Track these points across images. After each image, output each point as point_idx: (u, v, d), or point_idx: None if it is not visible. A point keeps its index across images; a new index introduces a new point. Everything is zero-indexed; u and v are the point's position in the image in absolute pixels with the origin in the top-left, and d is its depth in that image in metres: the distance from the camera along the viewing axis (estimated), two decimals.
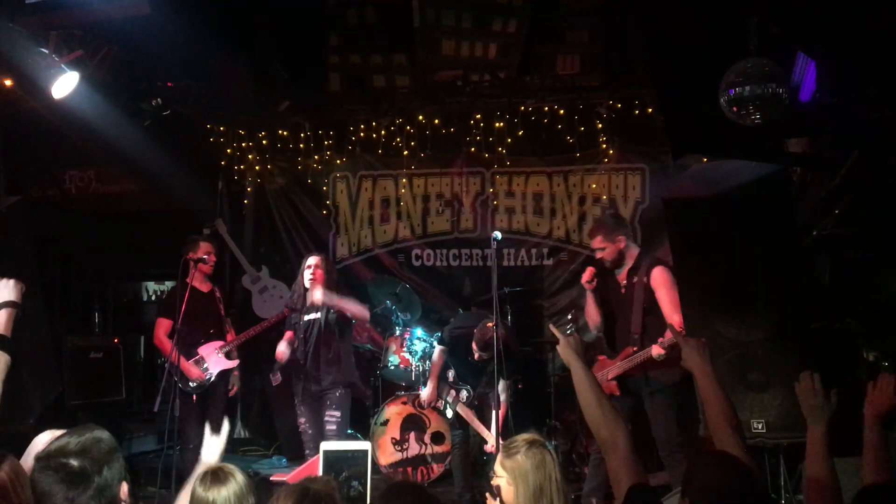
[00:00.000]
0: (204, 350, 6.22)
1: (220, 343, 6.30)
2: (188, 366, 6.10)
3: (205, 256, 6.25)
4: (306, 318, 6.12)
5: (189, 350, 6.16)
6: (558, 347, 3.00)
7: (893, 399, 2.85)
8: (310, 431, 6.06)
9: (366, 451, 3.93)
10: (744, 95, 3.09)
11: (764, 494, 2.54)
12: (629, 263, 5.48)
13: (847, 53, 3.09)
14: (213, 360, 6.23)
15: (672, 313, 5.23)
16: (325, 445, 4.09)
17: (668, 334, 5.01)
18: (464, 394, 6.11)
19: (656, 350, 5.07)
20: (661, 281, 5.30)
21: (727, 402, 2.85)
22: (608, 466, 2.68)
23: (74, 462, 2.18)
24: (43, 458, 2.21)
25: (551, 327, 3.18)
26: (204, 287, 6.39)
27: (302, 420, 6.13)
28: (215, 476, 2.75)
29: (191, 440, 6.03)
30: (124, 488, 2.25)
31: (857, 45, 3.06)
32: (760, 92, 3.05)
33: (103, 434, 2.32)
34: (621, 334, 5.45)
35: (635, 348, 5.30)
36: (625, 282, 5.49)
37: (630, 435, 2.69)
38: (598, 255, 5.54)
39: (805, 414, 2.88)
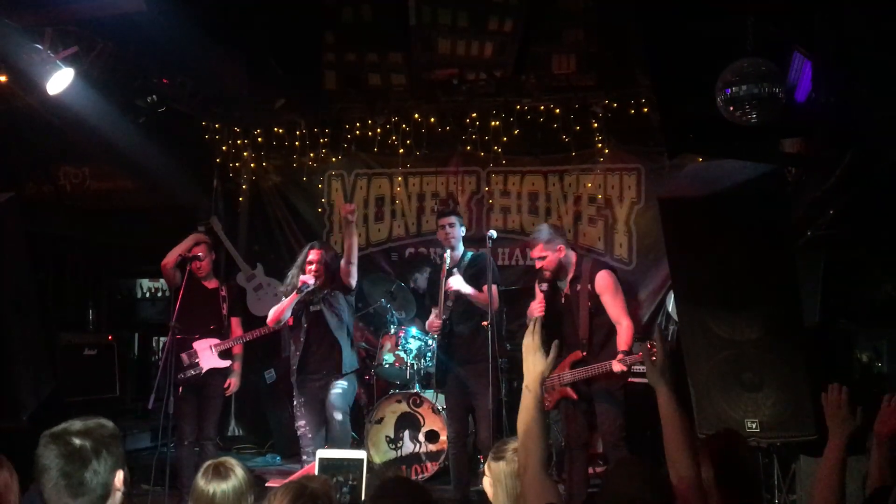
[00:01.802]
0: (198, 345, 6.21)
1: (216, 341, 6.28)
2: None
3: (199, 254, 6.24)
4: (313, 308, 6.11)
5: (185, 344, 6.17)
6: (527, 366, 2.77)
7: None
8: (309, 436, 6.02)
9: (361, 460, 3.93)
10: (740, 95, 3.09)
11: None
12: (571, 272, 5.52)
13: (843, 54, 3.10)
14: (206, 357, 6.22)
15: (620, 317, 5.37)
16: (322, 452, 4.09)
17: (625, 347, 5.22)
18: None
19: (618, 367, 5.17)
20: (605, 286, 5.40)
21: (685, 423, 2.76)
22: (521, 482, 2.61)
23: (76, 440, 2.25)
24: (48, 435, 2.28)
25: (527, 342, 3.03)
26: (209, 283, 6.38)
27: (301, 423, 6.07)
28: (216, 470, 2.77)
29: (186, 437, 6.04)
30: (119, 476, 2.29)
31: (854, 45, 3.07)
32: (757, 91, 3.06)
33: (108, 422, 2.38)
34: (567, 339, 5.48)
35: (584, 353, 5.37)
36: (567, 291, 5.53)
37: (544, 456, 2.60)
38: (539, 264, 5.57)
39: (828, 423, 2.89)
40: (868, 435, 4.27)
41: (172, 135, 7.87)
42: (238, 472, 2.83)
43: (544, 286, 5.48)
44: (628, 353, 5.23)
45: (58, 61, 5.46)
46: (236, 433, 8.51)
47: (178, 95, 7.62)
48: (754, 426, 4.48)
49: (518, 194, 8.31)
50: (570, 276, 5.54)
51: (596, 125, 7.82)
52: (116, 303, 9.77)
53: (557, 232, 5.67)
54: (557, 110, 7.87)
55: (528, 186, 8.28)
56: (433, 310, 6.24)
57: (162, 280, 9.41)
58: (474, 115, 8.10)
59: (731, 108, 3.13)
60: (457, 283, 5.83)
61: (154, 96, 7.16)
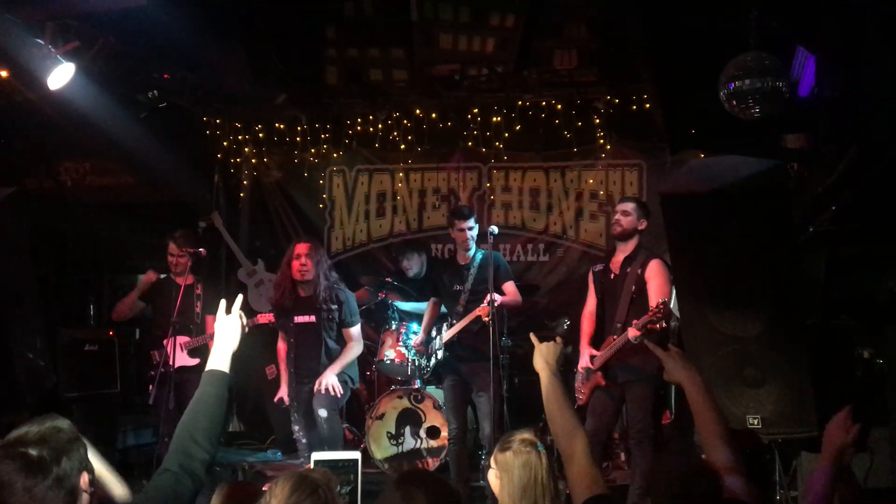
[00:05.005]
0: (169, 343, 6.16)
1: (186, 339, 6.25)
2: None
3: (202, 250, 6.28)
4: (297, 319, 6.00)
5: (157, 341, 6.16)
6: (534, 356, 2.93)
7: (847, 436, 2.76)
8: (304, 441, 6.00)
9: (356, 461, 3.93)
10: (743, 89, 3.08)
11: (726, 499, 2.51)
12: (628, 249, 5.49)
13: (847, 48, 3.09)
14: (176, 355, 6.19)
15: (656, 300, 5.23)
16: (317, 455, 4.09)
17: (647, 315, 5.04)
18: (444, 327, 6.14)
19: (632, 332, 5.09)
20: (655, 272, 5.33)
21: (718, 414, 2.76)
22: (566, 475, 2.65)
23: (33, 451, 2.13)
24: (1, 447, 2.16)
25: (532, 335, 3.13)
26: (183, 280, 6.35)
27: (296, 428, 6.07)
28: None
29: (165, 434, 5.96)
30: (84, 478, 2.20)
31: (858, 39, 3.06)
32: (760, 86, 3.05)
33: (64, 424, 2.26)
34: (608, 324, 5.46)
35: (615, 337, 5.32)
36: (617, 270, 5.50)
37: (588, 446, 2.64)
38: (618, 216, 5.57)
39: (825, 445, 2.80)
40: (868, 432, 4.26)
41: (173, 130, 7.85)
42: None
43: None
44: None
45: (59, 56, 5.44)
46: (238, 429, 8.51)
47: (179, 90, 7.61)
48: (756, 422, 4.48)
49: (519, 190, 8.30)
50: (626, 252, 5.51)
51: (598, 121, 7.82)
52: (117, 298, 9.74)
53: (649, 213, 5.65)
54: (559, 106, 7.86)
55: (529, 182, 8.28)
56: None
57: (162, 275, 9.41)
58: (476, 110, 8.09)
59: (734, 103, 3.12)
60: (489, 307, 5.70)
61: (155, 91, 7.15)
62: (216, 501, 2.90)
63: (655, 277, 5.32)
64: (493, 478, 2.91)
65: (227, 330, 2.66)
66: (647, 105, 7.50)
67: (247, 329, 2.73)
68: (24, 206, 5.86)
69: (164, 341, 6.13)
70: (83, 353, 6.75)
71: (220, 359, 2.60)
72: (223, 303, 2.73)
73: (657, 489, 2.45)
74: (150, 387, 6.05)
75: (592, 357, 5.49)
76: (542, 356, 2.89)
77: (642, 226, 5.54)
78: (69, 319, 8.27)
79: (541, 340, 2.99)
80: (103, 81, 6.47)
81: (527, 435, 2.88)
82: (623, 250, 5.55)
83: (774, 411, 4.45)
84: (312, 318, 5.97)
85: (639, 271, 5.37)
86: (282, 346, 6.17)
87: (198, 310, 6.40)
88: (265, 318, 6.12)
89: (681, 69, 3.80)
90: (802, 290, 4.55)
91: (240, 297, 2.76)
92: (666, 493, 2.40)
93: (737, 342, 4.50)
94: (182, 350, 6.20)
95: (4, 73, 5.87)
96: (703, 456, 2.69)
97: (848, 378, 5.39)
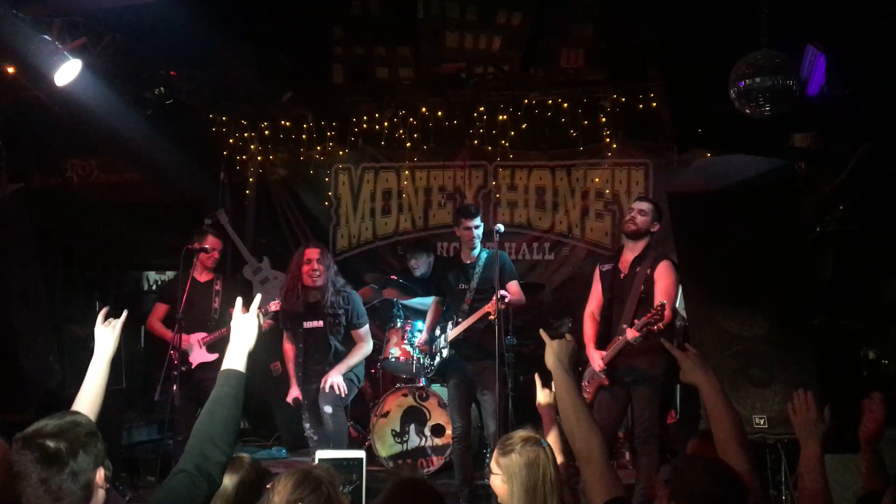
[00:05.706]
0: (186, 340, 6.15)
1: (203, 335, 6.24)
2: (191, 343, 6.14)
3: (207, 247, 6.24)
4: (306, 325, 6.01)
5: (176, 338, 6.15)
6: (545, 354, 2.90)
7: (882, 423, 2.83)
8: (315, 438, 6.01)
9: (361, 459, 3.93)
10: (754, 87, 3.07)
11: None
12: (638, 249, 5.46)
13: (856, 47, 3.08)
14: (194, 351, 6.18)
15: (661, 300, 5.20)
16: (321, 453, 4.09)
17: (646, 317, 5.02)
18: (449, 326, 6.11)
19: (631, 333, 5.06)
20: (664, 272, 5.30)
21: (735, 416, 2.75)
22: (582, 477, 2.61)
23: (50, 443, 2.15)
24: (21, 438, 2.18)
25: (542, 332, 3.10)
26: (202, 277, 6.34)
27: (307, 426, 6.08)
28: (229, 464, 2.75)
29: (180, 433, 5.93)
30: (100, 474, 2.20)
31: (867, 38, 3.05)
32: (771, 84, 3.04)
33: (83, 419, 2.29)
34: (615, 324, 5.44)
35: (620, 338, 5.30)
36: (626, 270, 5.48)
37: (605, 447, 2.61)
38: (634, 213, 5.51)
39: (798, 431, 2.80)
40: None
41: (180, 127, 7.85)
42: (248, 464, 2.82)
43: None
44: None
45: (66, 52, 5.44)
46: (242, 426, 8.49)
47: (185, 88, 7.61)
48: (762, 422, 4.47)
49: (525, 189, 8.29)
50: (636, 252, 5.49)
51: (604, 120, 7.81)
52: (123, 295, 9.76)
53: (662, 216, 5.57)
54: (565, 105, 7.85)
55: (535, 181, 8.27)
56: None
57: (168, 272, 9.44)
58: (482, 109, 8.08)
59: (745, 101, 3.10)
60: (500, 304, 5.68)
61: (162, 88, 7.16)
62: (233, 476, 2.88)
63: (663, 278, 5.29)
64: (498, 482, 2.80)
65: (244, 329, 2.67)
66: (654, 104, 7.48)
67: (264, 328, 2.76)
68: (30, 204, 5.87)
69: (183, 337, 6.13)
70: (89, 350, 6.74)
71: (236, 358, 2.61)
72: (239, 301, 2.74)
73: (683, 492, 2.42)
74: (174, 387, 5.98)
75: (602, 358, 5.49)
76: (555, 353, 2.86)
77: (655, 228, 5.50)
78: (75, 316, 8.28)
79: (551, 338, 2.96)
80: (110, 78, 6.48)
81: (527, 433, 2.81)
82: (632, 249, 5.52)
83: (781, 411, 4.43)
84: (320, 324, 5.97)
85: (648, 271, 5.35)
86: (288, 346, 6.17)
87: (216, 305, 6.37)
88: (275, 305, 6.13)
89: (688, 68, 3.80)
90: (809, 290, 4.54)
91: (258, 297, 2.77)
92: (692, 497, 2.37)
93: (743, 342, 4.49)
94: (200, 346, 6.20)
95: (11, 70, 5.88)
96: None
97: (854, 378, 5.38)
